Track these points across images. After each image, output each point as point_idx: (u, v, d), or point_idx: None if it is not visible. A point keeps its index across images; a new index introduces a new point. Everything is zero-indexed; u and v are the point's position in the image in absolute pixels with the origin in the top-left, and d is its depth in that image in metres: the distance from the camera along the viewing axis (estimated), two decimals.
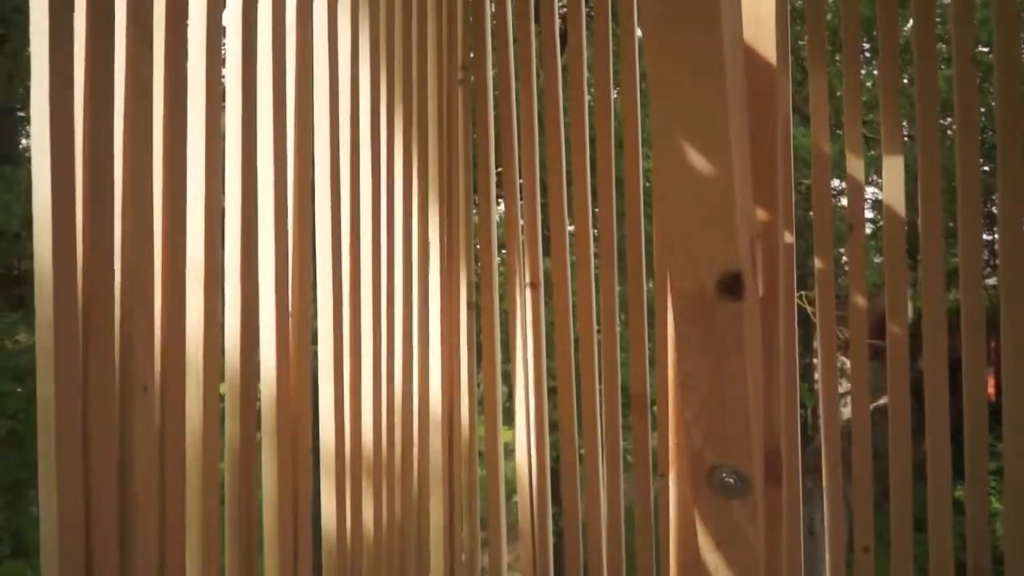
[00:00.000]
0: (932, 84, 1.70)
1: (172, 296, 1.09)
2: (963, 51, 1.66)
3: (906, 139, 3.34)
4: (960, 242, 1.66)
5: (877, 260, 6.11)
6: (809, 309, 5.29)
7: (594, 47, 1.89)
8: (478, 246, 2.05)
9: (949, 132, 4.97)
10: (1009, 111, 1.61)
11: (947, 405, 1.65)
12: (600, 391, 1.88)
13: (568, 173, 1.93)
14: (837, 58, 5.32)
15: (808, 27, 1.80)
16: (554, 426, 1.94)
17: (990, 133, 5.21)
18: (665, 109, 0.69)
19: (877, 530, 1.73)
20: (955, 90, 1.67)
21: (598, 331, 1.89)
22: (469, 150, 1.99)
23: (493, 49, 2.00)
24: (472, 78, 2.01)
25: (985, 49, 4.77)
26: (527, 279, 1.93)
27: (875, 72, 6.60)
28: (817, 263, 1.78)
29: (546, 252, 1.96)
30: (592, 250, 1.91)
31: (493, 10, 2.01)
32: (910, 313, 1.80)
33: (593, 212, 1.92)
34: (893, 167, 1.73)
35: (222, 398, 1.22)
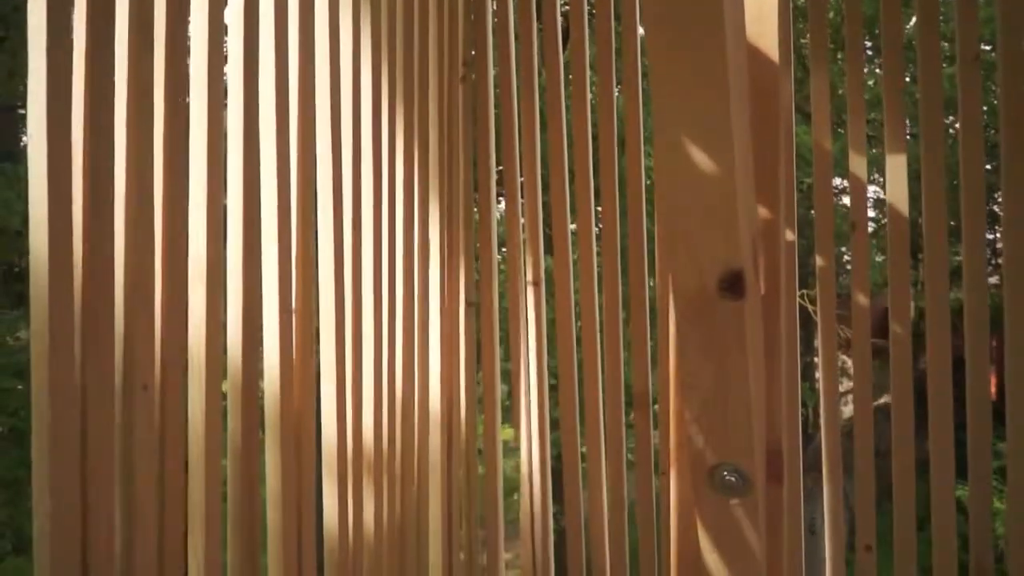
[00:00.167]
0: (935, 82, 1.69)
1: (172, 294, 1.09)
2: (967, 49, 1.66)
3: (908, 137, 3.34)
4: (964, 241, 1.65)
5: (879, 259, 6.11)
6: (810, 308, 5.29)
7: (596, 45, 1.89)
8: (478, 244, 2.05)
9: (951, 131, 4.97)
10: (1013, 109, 1.61)
11: (951, 404, 1.64)
12: (602, 389, 1.88)
13: (570, 171, 1.92)
14: (839, 56, 5.31)
15: (810, 25, 1.80)
16: (555, 424, 1.94)
17: (992, 132, 5.21)
18: (667, 107, 0.69)
19: (878, 529, 1.73)
20: (959, 88, 1.66)
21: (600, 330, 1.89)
22: (469, 148, 1.99)
23: (494, 47, 2.00)
24: (473, 76, 2.00)
25: (988, 47, 4.76)
26: (529, 277, 1.93)
27: (877, 71, 6.60)
28: (818, 261, 1.77)
29: (548, 251, 1.96)
30: (595, 248, 1.91)
31: (495, 7, 2.01)
32: (912, 312, 1.80)
33: (595, 210, 1.92)
34: (896, 165, 1.72)
35: (225, 396, 1.22)
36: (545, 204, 1.96)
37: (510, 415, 1.98)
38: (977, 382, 1.64)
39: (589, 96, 1.91)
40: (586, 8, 1.93)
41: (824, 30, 1.81)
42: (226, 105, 1.23)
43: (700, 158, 0.69)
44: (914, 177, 1.73)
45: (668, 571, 0.98)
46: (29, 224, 0.90)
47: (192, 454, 1.13)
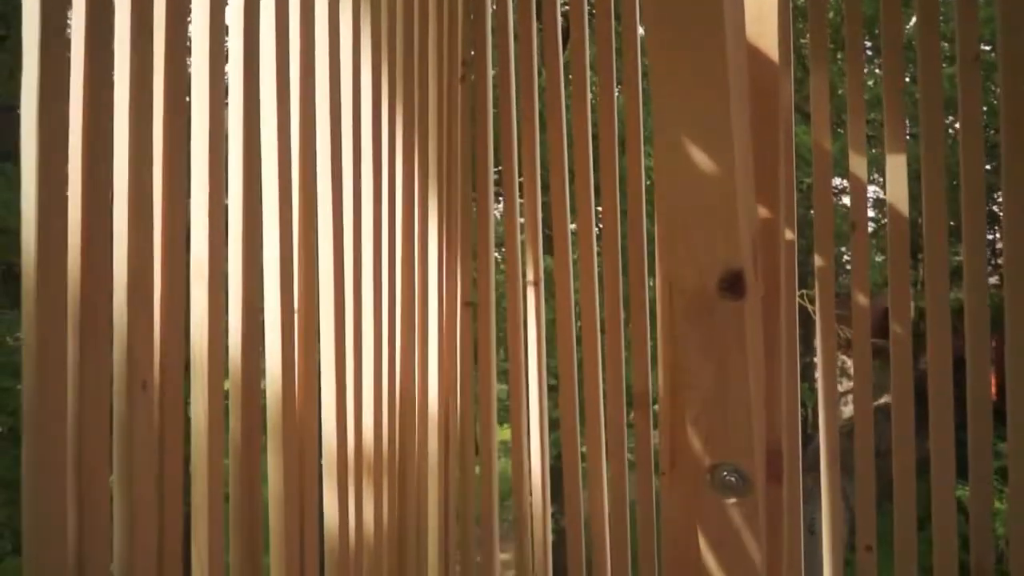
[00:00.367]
0: (935, 82, 1.69)
1: (171, 293, 1.08)
2: (967, 49, 1.66)
3: (908, 137, 3.34)
4: (964, 241, 1.65)
5: (879, 259, 6.11)
6: (810, 308, 5.29)
7: (596, 45, 1.89)
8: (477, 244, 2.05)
9: (951, 131, 4.97)
10: (1013, 109, 1.61)
11: (951, 404, 1.64)
12: (603, 389, 1.88)
13: (570, 171, 1.92)
14: (839, 56, 5.31)
15: (810, 25, 1.80)
16: (554, 424, 1.94)
17: (992, 132, 5.21)
18: (667, 107, 0.69)
19: (879, 529, 1.73)
20: (959, 88, 1.66)
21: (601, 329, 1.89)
22: (468, 148, 1.99)
23: (494, 47, 2.00)
24: (472, 76, 2.00)
25: (988, 47, 4.76)
26: (528, 277, 1.93)
27: (877, 71, 6.60)
28: (818, 261, 1.77)
29: (547, 251, 1.96)
30: (595, 248, 1.91)
31: (494, 8, 2.01)
32: (912, 312, 1.80)
33: (595, 210, 1.92)
34: (896, 165, 1.72)
35: (227, 395, 1.22)
36: (545, 204, 1.96)
37: (509, 415, 1.98)
38: (977, 382, 1.64)
39: (589, 96, 1.91)
40: (586, 8, 1.93)
41: (824, 30, 1.81)
42: (227, 105, 1.23)
43: (700, 158, 0.69)
44: (914, 177, 1.73)
45: (668, 571, 0.98)
46: (21, 221, 0.89)
47: (195, 454, 1.13)
